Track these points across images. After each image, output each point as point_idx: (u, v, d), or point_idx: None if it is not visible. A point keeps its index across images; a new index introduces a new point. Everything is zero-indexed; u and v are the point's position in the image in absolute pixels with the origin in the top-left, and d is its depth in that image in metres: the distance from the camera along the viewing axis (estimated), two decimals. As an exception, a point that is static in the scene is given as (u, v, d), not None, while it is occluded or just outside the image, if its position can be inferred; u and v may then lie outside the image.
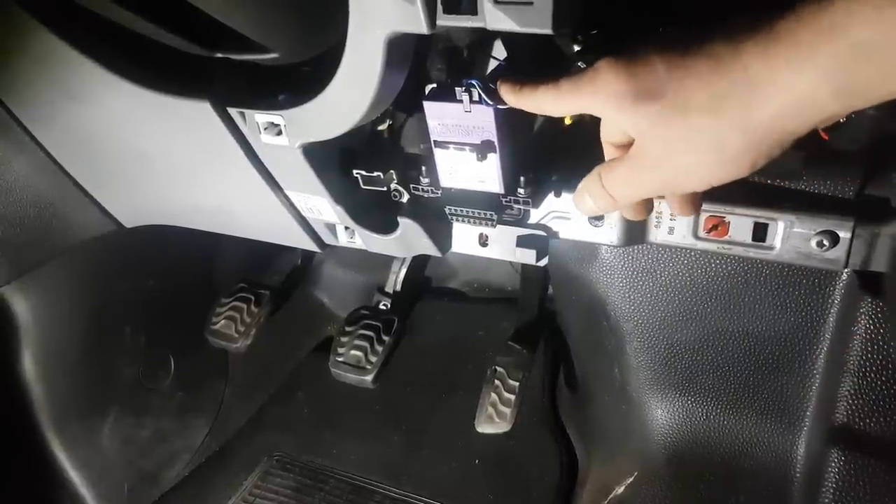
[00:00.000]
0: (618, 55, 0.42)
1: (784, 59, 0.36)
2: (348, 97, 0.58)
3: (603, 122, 0.50)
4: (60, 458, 1.14)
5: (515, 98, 0.51)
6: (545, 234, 0.74)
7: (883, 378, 0.68)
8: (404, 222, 0.74)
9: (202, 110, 0.67)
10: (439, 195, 0.69)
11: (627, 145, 0.46)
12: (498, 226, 0.71)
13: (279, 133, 0.66)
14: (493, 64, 0.68)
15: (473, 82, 0.56)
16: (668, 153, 0.42)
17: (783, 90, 0.37)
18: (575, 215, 0.71)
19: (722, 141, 0.40)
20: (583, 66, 0.50)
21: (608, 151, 0.52)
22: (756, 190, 0.65)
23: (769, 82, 0.37)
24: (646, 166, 0.44)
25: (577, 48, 0.57)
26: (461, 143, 0.61)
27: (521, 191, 0.65)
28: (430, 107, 0.60)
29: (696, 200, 0.52)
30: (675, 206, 0.52)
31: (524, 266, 1.19)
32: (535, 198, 0.66)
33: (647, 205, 0.53)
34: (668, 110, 0.40)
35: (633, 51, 0.42)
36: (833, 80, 0.35)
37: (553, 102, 0.47)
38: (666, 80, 0.40)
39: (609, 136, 0.50)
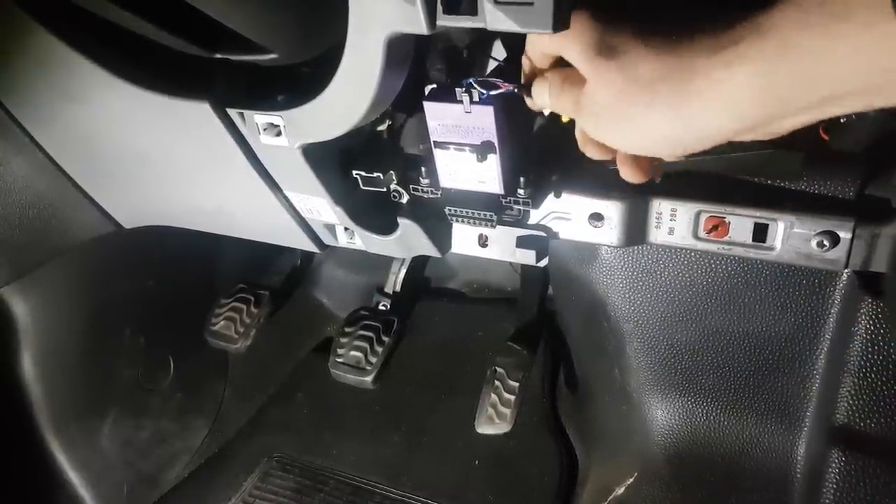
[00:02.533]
0: (599, 12, 0.44)
1: (725, 54, 0.38)
2: (348, 98, 0.58)
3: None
4: (60, 459, 1.14)
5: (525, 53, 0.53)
6: (545, 235, 0.74)
7: (883, 378, 0.68)
8: (404, 223, 0.74)
9: (201, 111, 0.67)
10: (439, 196, 0.69)
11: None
12: (498, 226, 0.70)
13: (278, 134, 0.66)
14: (492, 64, 0.68)
15: (473, 82, 0.56)
16: (602, 107, 0.45)
17: (714, 83, 0.38)
18: (575, 216, 0.71)
19: (648, 119, 0.42)
20: None
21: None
22: (756, 190, 0.65)
23: (705, 75, 0.38)
24: (584, 108, 0.47)
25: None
26: (461, 144, 0.61)
27: (520, 191, 0.65)
28: (430, 107, 0.60)
29: (641, 165, 0.52)
30: (619, 161, 0.52)
31: (524, 266, 1.19)
32: (535, 198, 0.66)
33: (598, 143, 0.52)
34: (615, 71, 0.42)
35: (615, 12, 0.44)
36: (759, 81, 0.36)
37: (539, 39, 0.50)
38: (627, 44, 0.42)
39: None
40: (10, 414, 1.09)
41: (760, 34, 0.36)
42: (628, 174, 0.52)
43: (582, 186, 0.69)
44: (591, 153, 0.52)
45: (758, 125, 0.39)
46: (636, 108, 0.42)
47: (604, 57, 0.43)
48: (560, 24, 0.44)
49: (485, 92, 0.56)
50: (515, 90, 0.55)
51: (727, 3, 0.40)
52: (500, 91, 0.56)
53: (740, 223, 0.65)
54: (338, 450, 1.20)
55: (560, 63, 0.51)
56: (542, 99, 0.52)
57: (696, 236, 0.67)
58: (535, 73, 0.53)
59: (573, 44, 0.45)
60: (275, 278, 1.40)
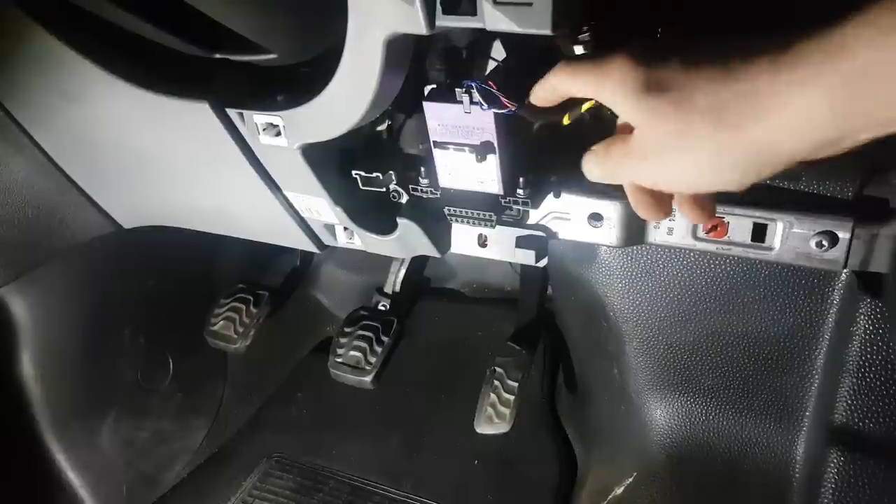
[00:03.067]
0: (637, 47, 0.42)
1: (789, 75, 0.36)
2: (347, 98, 0.58)
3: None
4: (59, 459, 1.14)
5: (539, 88, 0.51)
6: (544, 235, 0.74)
7: (882, 378, 0.68)
8: (403, 223, 0.74)
9: (201, 111, 0.67)
10: (438, 196, 0.68)
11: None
12: (497, 226, 0.70)
13: (278, 134, 0.66)
14: (492, 65, 0.68)
15: (473, 84, 0.56)
16: (660, 148, 0.43)
17: (784, 106, 0.37)
18: (574, 216, 0.71)
19: (715, 150, 0.40)
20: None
21: (619, 129, 0.50)
22: (755, 190, 0.64)
23: (772, 96, 0.37)
24: (638, 156, 0.44)
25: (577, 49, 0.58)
26: (461, 144, 0.61)
27: (520, 191, 0.65)
28: (429, 108, 0.60)
29: (704, 205, 0.49)
30: (681, 206, 0.50)
31: (523, 266, 1.19)
32: (535, 198, 0.66)
33: (653, 198, 0.50)
34: (670, 106, 0.40)
35: (653, 46, 0.42)
36: (833, 100, 0.36)
37: (568, 81, 0.47)
38: (677, 78, 0.40)
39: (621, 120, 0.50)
40: (10, 414, 1.09)
41: (829, 53, 0.35)
42: (696, 215, 0.49)
43: (581, 186, 0.69)
44: (649, 213, 0.50)
45: (830, 143, 0.38)
46: (700, 141, 0.40)
47: (653, 95, 0.41)
48: (558, 24, 0.45)
49: (486, 106, 0.56)
50: (515, 110, 0.55)
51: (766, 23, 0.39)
52: (502, 111, 0.56)
53: (739, 223, 0.65)
54: (337, 450, 1.20)
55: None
56: (593, 173, 0.49)
57: (695, 236, 0.67)
58: (548, 102, 0.51)
59: (616, 87, 0.42)
60: (274, 278, 1.40)
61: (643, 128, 0.43)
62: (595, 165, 0.49)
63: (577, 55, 0.51)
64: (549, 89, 0.49)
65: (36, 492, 1.13)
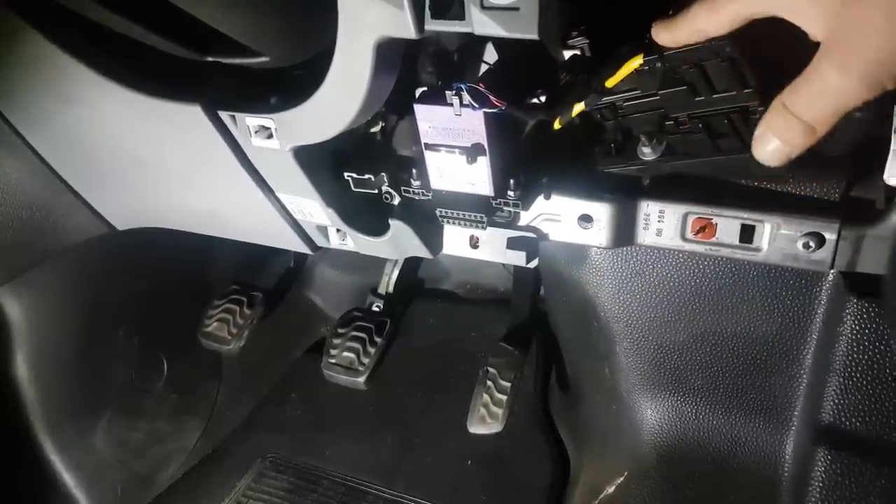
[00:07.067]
0: None
1: None
2: (338, 101, 0.59)
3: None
4: (54, 460, 1.14)
5: (671, 34, 0.47)
6: (535, 237, 0.75)
7: (868, 378, 0.69)
8: (395, 224, 0.74)
9: (193, 114, 0.68)
10: (430, 197, 0.69)
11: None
12: (488, 228, 0.71)
13: (270, 136, 0.66)
14: (484, 67, 0.68)
15: (462, 86, 0.56)
16: (871, 36, 0.36)
17: None
18: (564, 217, 0.72)
19: None
20: None
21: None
22: (743, 192, 0.65)
23: None
24: (846, 63, 0.38)
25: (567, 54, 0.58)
26: (451, 146, 0.62)
27: (510, 193, 0.65)
28: (420, 110, 0.60)
29: None
30: None
31: (516, 267, 1.20)
32: (525, 200, 0.67)
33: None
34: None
35: None
36: None
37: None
38: None
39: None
40: (4, 415, 1.09)
41: None
42: None
43: (571, 188, 0.70)
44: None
45: None
46: None
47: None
48: (545, 29, 0.45)
49: (476, 106, 0.56)
50: (503, 109, 0.55)
51: None
52: (493, 110, 0.56)
53: (727, 224, 0.66)
54: (331, 450, 1.20)
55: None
56: (771, 147, 0.44)
57: (683, 237, 0.68)
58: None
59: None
60: (268, 279, 1.41)
61: (839, 24, 0.37)
62: (779, 132, 0.42)
63: None
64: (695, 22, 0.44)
65: (30, 492, 1.13)
